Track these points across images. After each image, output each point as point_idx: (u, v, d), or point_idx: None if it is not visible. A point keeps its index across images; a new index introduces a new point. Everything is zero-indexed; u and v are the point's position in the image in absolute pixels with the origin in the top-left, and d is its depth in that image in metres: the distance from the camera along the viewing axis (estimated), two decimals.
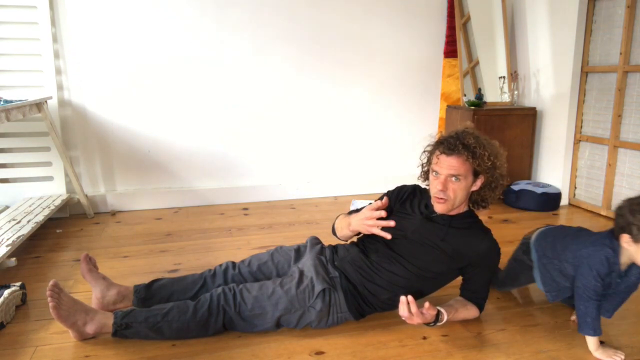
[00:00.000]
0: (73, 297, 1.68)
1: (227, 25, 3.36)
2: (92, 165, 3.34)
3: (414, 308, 1.57)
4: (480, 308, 1.84)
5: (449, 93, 3.84)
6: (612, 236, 1.60)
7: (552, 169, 3.58)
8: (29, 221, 2.62)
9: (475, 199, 1.79)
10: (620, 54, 3.06)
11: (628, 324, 1.86)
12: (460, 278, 1.85)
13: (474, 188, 1.75)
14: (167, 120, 3.39)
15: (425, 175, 1.86)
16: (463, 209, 1.80)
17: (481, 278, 1.79)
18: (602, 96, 3.24)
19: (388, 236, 1.73)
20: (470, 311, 1.81)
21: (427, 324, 1.68)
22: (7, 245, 2.26)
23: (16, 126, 3.08)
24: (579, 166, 3.48)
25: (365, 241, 1.89)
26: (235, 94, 3.47)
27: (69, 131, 3.25)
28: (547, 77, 3.55)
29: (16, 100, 2.63)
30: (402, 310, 1.58)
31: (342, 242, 1.99)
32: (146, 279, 1.94)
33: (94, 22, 3.14)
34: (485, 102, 3.56)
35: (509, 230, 2.96)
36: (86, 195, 3.23)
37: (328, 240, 2.09)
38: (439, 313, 1.67)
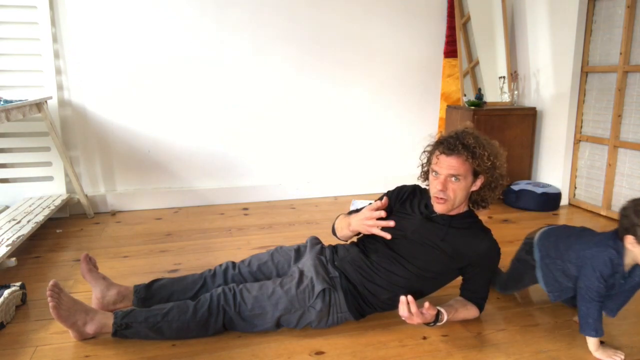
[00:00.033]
0: (73, 297, 1.68)
1: (227, 25, 3.36)
2: (92, 165, 3.34)
3: (413, 308, 1.57)
4: (480, 308, 1.84)
5: (449, 93, 3.84)
6: (616, 237, 1.59)
7: (552, 169, 3.58)
8: (29, 221, 2.62)
9: (475, 199, 1.79)
10: (620, 54, 3.06)
11: (628, 324, 1.86)
12: (460, 278, 1.85)
13: (474, 188, 1.75)
14: (167, 120, 3.39)
15: (425, 175, 1.86)
16: (463, 209, 1.80)
17: (481, 278, 1.79)
18: (602, 96, 3.24)
19: (388, 236, 1.73)
20: (470, 311, 1.81)
21: (427, 324, 1.68)
22: (7, 245, 2.26)
23: (16, 126, 3.08)
24: (579, 166, 3.48)
25: (365, 241, 1.89)
26: (235, 94, 3.47)
27: (69, 131, 3.25)
28: (547, 77, 3.55)
29: (16, 100, 2.63)
30: (402, 310, 1.58)
31: (342, 242, 1.99)
32: (146, 279, 1.95)
33: (94, 22, 3.14)
34: (485, 102, 3.57)
35: (509, 230, 2.96)
36: (86, 195, 3.23)
37: (328, 240, 2.09)
38: (438, 313, 1.67)
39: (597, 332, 1.60)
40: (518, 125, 3.56)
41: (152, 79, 3.30)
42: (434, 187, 1.73)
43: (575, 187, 3.52)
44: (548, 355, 1.65)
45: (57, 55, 3.13)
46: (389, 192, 1.93)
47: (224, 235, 2.88)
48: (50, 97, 3.04)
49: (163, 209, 3.44)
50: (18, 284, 1.99)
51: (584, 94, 3.38)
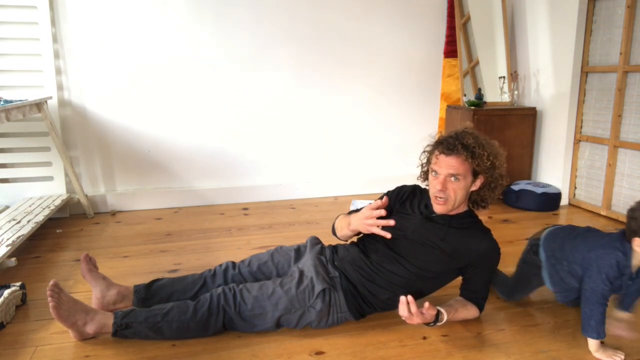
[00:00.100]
0: (73, 297, 1.68)
1: (227, 25, 3.36)
2: (92, 165, 3.34)
3: (413, 308, 1.56)
4: (480, 308, 1.84)
5: (449, 93, 3.84)
6: (623, 239, 1.59)
7: (552, 169, 3.58)
8: (29, 221, 2.63)
9: (475, 199, 1.79)
10: (620, 54, 3.06)
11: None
12: (460, 278, 1.85)
13: (474, 188, 1.75)
14: (167, 120, 3.39)
15: (425, 175, 1.86)
16: (463, 209, 1.80)
17: (481, 278, 1.79)
18: (602, 96, 3.24)
19: (388, 235, 1.73)
20: (470, 311, 1.81)
21: (427, 324, 1.68)
22: (7, 245, 2.26)
23: (16, 126, 3.08)
24: (579, 166, 3.48)
25: (365, 241, 1.89)
26: (235, 94, 3.47)
27: (69, 131, 3.25)
28: (547, 77, 3.55)
29: (16, 100, 2.63)
30: (402, 310, 1.58)
31: (342, 242, 1.99)
32: (146, 279, 1.95)
33: (94, 22, 3.14)
34: (485, 102, 3.57)
35: (509, 230, 2.96)
36: (86, 195, 3.23)
37: (328, 240, 2.09)
38: (438, 313, 1.67)
39: (599, 335, 1.60)
40: (518, 125, 3.56)
41: (152, 79, 3.30)
42: (433, 187, 1.73)
43: (575, 187, 3.52)
44: (548, 355, 1.65)
45: (57, 55, 3.13)
46: (389, 192, 1.93)
47: (224, 235, 2.88)
48: (50, 97, 3.04)
49: (163, 209, 3.44)
50: (18, 284, 2.00)
51: (584, 94, 3.38)
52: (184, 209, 3.44)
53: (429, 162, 1.81)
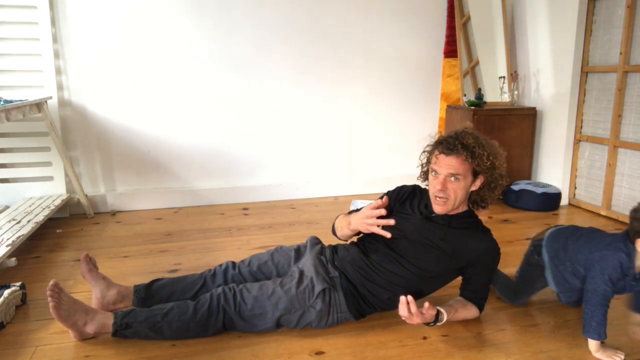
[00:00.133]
0: (73, 297, 1.68)
1: (228, 25, 3.36)
2: (92, 165, 3.34)
3: (413, 308, 1.56)
4: (480, 308, 1.84)
5: (449, 93, 3.84)
6: (627, 239, 1.58)
7: (552, 169, 3.58)
8: (29, 221, 2.63)
9: (475, 199, 1.79)
10: (620, 54, 3.06)
11: (628, 324, 1.86)
12: (460, 278, 1.85)
13: (473, 188, 1.75)
14: (167, 120, 3.39)
15: (425, 175, 1.86)
16: (462, 209, 1.80)
17: (481, 278, 1.79)
18: (602, 96, 3.24)
19: (388, 235, 1.72)
20: (470, 311, 1.81)
21: (427, 324, 1.68)
22: (7, 245, 2.26)
23: (16, 126, 3.08)
24: (579, 166, 3.48)
25: (365, 241, 1.89)
26: (235, 94, 3.47)
27: (69, 131, 3.25)
28: (547, 77, 3.55)
29: (16, 100, 2.63)
30: (402, 310, 1.58)
31: (342, 242, 1.99)
32: (146, 279, 1.95)
33: (94, 22, 3.14)
34: (485, 102, 3.57)
35: (509, 230, 2.96)
36: (86, 195, 3.23)
37: (328, 240, 2.09)
38: (438, 313, 1.67)
39: (600, 336, 1.60)
40: (518, 125, 3.56)
41: (152, 79, 3.30)
42: (433, 187, 1.73)
43: (575, 187, 3.52)
44: (548, 355, 1.65)
45: (57, 55, 3.13)
46: (388, 192, 1.93)
47: (224, 235, 2.88)
48: (50, 97, 3.04)
49: (163, 209, 3.44)
50: (18, 284, 2.00)
51: (584, 94, 3.38)
52: (184, 209, 3.44)
53: (428, 162, 1.81)
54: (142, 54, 3.25)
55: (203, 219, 3.20)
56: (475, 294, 1.82)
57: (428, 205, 1.81)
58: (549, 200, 3.37)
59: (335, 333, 1.77)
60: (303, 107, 3.63)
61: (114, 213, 3.34)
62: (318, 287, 1.71)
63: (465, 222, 1.78)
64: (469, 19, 3.70)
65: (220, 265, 1.93)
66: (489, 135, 1.80)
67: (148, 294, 1.83)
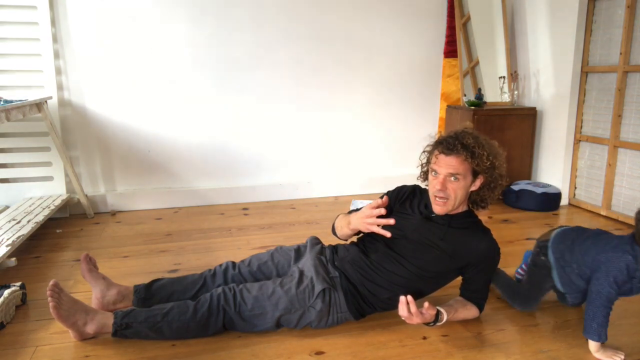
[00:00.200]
0: (73, 297, 1.68)
1: (228, 24, 3.36)
2: (92, 165, 3.34)
3: (413, 308, 1.56)
4: (480, 308, 1.84)
5: (449, 93, 3.84)
6: (633, 242, 1.57)
7: (552, 169, 3.58)
8: (29, 221, 2.63)
9: (475, 199, 1.79)
10: (620, 54, 3.06)
11: (628, 324, 1.86)
12: (460, 278, 1.85)
13: (473, 188, 1.75)
14: (167, 120, 3.39)
15: (425, 175, 1.86)
16: (462, 209, 1.80)
17: (481, 278, 1.79)
18: (602, 96, 3.24)
19: (388, 234, 1.72)
20: (470, 311, 1.81)
21: (427, 324, 1.68)
22: (7, 245, 2.26)
23: (16, 126, 3.08)
24: (579, 166, 3.48)
25: (365, 241, 1.89)
26: (235, 94, 3.47)
27: (69, 131, 3.25)
28: (547, 77, 3.55)
29: (16, 100, 2.63)
30: (402, 310, 1.58)
31: (342, 242, 1.99)
32: (146, 279, 1.94)
33: (94, 22, 3.14)
34: (485, 102, 3.57)
35: (509, 230, 2.96)
36: (86, 195, 3.23)
37: (328, 240, 2.09)
38: (438, 313, 1.67)
39: (600, 337, 1.60)
40: (518, 125, 3.56)
41: (152, 79, 3.30)
42: (433, 187, 1.73)
43: (575, 187, 3.52)
44: (548, 355, 1.65)
45: (57, 55, 3.13)
46: (389, 192, 1.93)
47: (224, 235, 2.88)
48: (50, 97, 3.04)
49: (163, 209, 3.44)
50: (18, 284, 2.00)
51: (584, 94, 3.38)
52: (184, 209, 3.44)
53: (428, 162, 1.81)
54: (142, 54, 3.25)
55: (203, 219, 3.20)
56: (475, 294, 1.82)
57: (428, 205, 1.81)
58: (549, 200, 3.37)
59: (335, 333, 1.77)
60: (303, 107, 3.63)
61: (114, 213, 3.34)
62: (318, 287, 1.71)
63: (465, 222, 1.78)
64: (469, 19, 3.70)
65: (220, 265, 1.93)
66: (489, 135, 1.80)
67: (148, 294, 1.83)
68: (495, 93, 3.74)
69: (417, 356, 1.64)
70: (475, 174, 1.72)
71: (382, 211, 1.74)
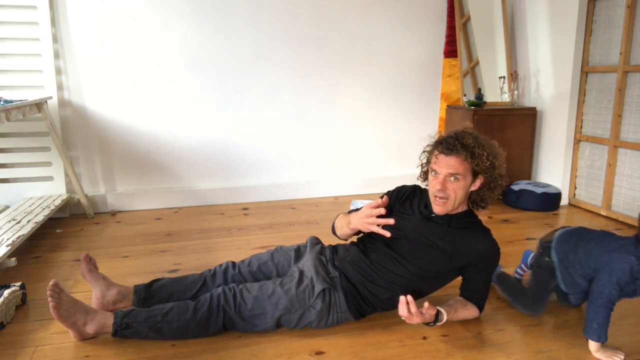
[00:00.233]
0: (73, 297, 1.68)
1: (227, 24, 3.36)
2: (92, 165, 3.34)
3: (413, 308, 1.56)
4: (480, 308, 1.84)
5: (449, 93, 3.84)
6: (637, 243, 1.57)
7: (552, 169, 3.58)
8: (29, 221, 2.63)
9: (475, 199, 1.79)
10: (620, 54, 3.06)
11: (628, 324, 1.86)
12: (460, 278, 1.85)
13: (473, 188, 1.75)
14: (167, 120, 3.39)
15: (425, 175, 1.86)
16: (462, 208, 1.80)
17: (481, 278, 1.79)
18: (602, 96, 3.24)
19: (387, 234, 1.72)
20: (470, 311, 1.81)
21: (427, 324, 1.68)
22: (7, 245, 2.26)
23: (16, 126, 3.08)
24: (579, 166, 3.48)
25: (365, 241, 1.89)
26: (235, 94, 3.47)
27: (69, 131, 3.25)
28: (547, 77, 3.55)
29: (16, 100, 2.63)
30: (402, 310, 1.58)
31: (342, 242, 1.99)
32: (146, 279, 1.94)
33: (94, 22, 3.14)
34: (485, 102, 3.57)
35: (509, 230, 2.96)
36: (86, 195, 3.23)
37: (328, 240, 2.09)
38: (438, 313, 1.67)
39: (600, 338, 1.59)
40: (518, 125, 3.56)
41: (152, 79, 3.30)
42: (433, 187, 1.73)
43: (575, 187, 3.52)
44: (548, 355, 1.65)
45: (57, 55, 3.13)
46: (389, 192, 1.93)
47: (224, 235, 2.88)
48: (50, 97, 3.04)
49: (163, 209, 3.44)
50: (18, 284, 2.00)
51: (584, 94, 3.38)
52: (184, 209, 3.44)
53: (428, 162, 1.81)
54: (142, 54, 3.25)
55: (203, 219, 3.20)
56: (475, 294, 1.82)
57: (428, 205, 1.81)
58: (549, 200, 3.37)
59: (335, 333, 1.77)
60: (303, 107, 3.63)
61: (114, 213, 3.34)
62: (318, 287, 1.71)
63: (465, 222, 1.78)
64: (469, 19, 3.70)
65: (220, 265, 1.93)
66: (489, 135, 1.80)
67: (148, 294, 1.83)
68: (495, 93, 3.74)
69: (417, 356, 1.64)
70: (475, 174, 1.72)
71: (382, 211, 1.74)
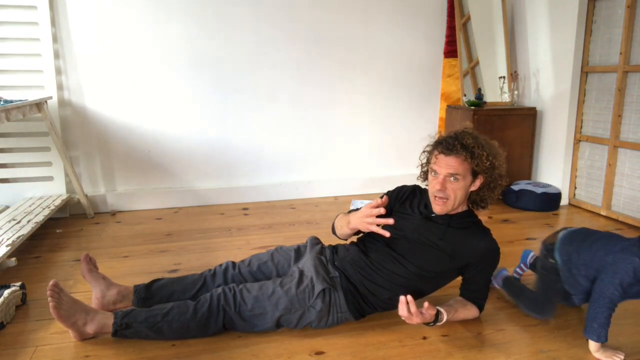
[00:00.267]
0: (73, 297, 1.68)
1: (227, 24, 3.36)
2: (92, 165, 3.34)
3: (413, 308, 1.56)
4: (480, 308, 1.84)
5: (449, 93, 3.84)
6: None
7: (552, 169, 3.58)
8: (29, 221, 2.63)
9: (475, 199, 1.79)
10: (620, 54, 3.06)
11: (628, 324, 1.86)
12: (460, 278, 1.85)
13: (473, 188, 1.75)
14: (168, 120, 3.39)
15: (425, 175, 1.86)
16: (462, 208, 1.80)
17: (481, 278, 1.79)
18: (602, 96, 3.24)
19: (386, 234, 1.72)
20: (470, 311, 1.81)
21: (427, 324, 1.68)
22: (7, 245, 2.26)
23: (16, 126, 3.08)
24: (579, 166, 3.48)
25: (365, 241, 1.89)
26: (235, 94, 3.47)
27: (69, 131, 3.25)
28: (547, 77, 3.55)
29: (16, 100, 2.63)
30: (402, 310, 1.58)
31: (342, 242, 1.99)
32: (146, 279, 1.95)
33: (94, 22, 3.14)
34: (485, 102, 3.57)
35: (509, 230, 2.96)
36: (86, 195, 3.23)
37: (328, 240, 2.09)
38: (438, 313, 1.67)
39: (599, 338, 1.59)
40: (518, 125, 3.56)
41: (152, 79, 3.30)
42: (432, 187, 1.74)
43: (575, 187, 3.52)
44: (548, 355, 1.65)
45: (57, 55, 3.13)
46: (389, 192, 1.93)
47: (224, 235, 2.88)
48: (50, 97, 3.04)
49: (163, 209, 3.44)
50: (18, 284, 2.00)
51: (584, 94, 3.38)
52: (184, 209, 3.44)
53: (428, 162, 1.81)
54: (142, 54, 3.25)
55: (203, 219, 3.20)
56: (475, 294, 1.82)
57: (428, 205, 1.81)
58: (549, 200, 3.37)
59: (335, 333, 1.77)
60: (303, 107, 3.63)
61: (114, 213, 3.34)
62: (318, 287, 1.71)
63: (464, 222, 1.78)
64: (469, 19, 3.70)
65: (220, 265, 1.93)
66: (489, 135, 1.80)
67: (148, 294, 1.83)
68: (495, 93, 3.74)
69: (417, 356, 1.64)
70: (474, 174, 1.72)
71: (382, 211, 1.74)
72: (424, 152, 1.84)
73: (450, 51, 3.76)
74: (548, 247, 1.85)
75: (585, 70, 3.33)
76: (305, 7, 3.47)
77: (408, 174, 3.43)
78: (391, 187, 1.97)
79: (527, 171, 3.67)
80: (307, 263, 1.83)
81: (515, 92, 3.70)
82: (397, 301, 1.63)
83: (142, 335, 1.67)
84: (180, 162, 3.47)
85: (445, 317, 1.69)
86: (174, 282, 1.87)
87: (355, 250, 1.86)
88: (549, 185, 3.48)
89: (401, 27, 3.70)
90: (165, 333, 1.67)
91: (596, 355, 1.63)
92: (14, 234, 2.41)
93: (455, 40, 3.71)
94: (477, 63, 3.74)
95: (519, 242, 2.75)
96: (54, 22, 3.09)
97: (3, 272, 2.29)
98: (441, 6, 3.75)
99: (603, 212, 3.26)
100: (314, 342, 1.72)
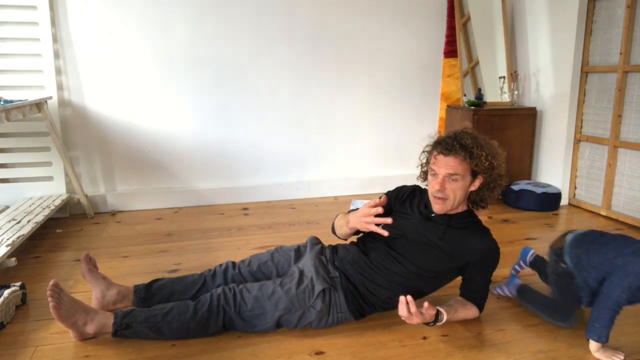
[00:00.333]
0: (73, 297, 1.68)
1: (228, 24, 3.36)
2: (92, 165, 3.34)
3: (413, 308, 1.56)
4: (480, 308, 1.84)
5: (449, 93, 3.84)
6: None
7: (552, 169, 3.58)
8: (29, 221, 2.63)
9: (474, 199, 1.80)
10: (620, 54, 3.06)
11: (628, 324, 1.86)
12: (460, 278, 1.85)
13: (473, 188, 1.75)
14: (168, 120, 3.39)
15: (425, 175, 1.86)
16: (462, 208, 1.80)
17: (481, 278, 1.79)
18: (602, 96, 3.24)
19: (385, 233, 1.72)
20: (470, 311, 1.81)
21: (427, 324, 1.68)
22: (7, 245, 2.26)
23: (16, 126, 3.08)
24: (579, 166, 3.48)
25: (365, 241, 1.89)
26: (235, 94, 3.47)
27: (69, 131, 3.25)
28: (547, 77, 3.55)
29: (16, 100, 2.63)
30: (402, 310, 1.58)
31: (342, 242, 1.99)
32: (146, 279, 1.95)
33: (94, 22, 3.14)
34: (485, 102, 3.57)
35: (509, 230, 2.96)
36: (86, 195, 3.23)
37: (328, 240, 2.09)
38: (438, 313, 1.67)
39: (600, 338, 1.59)
40: (518, 125, 3.56)
41: (152, 79, 3.30)
42: (432, 187, 1.74)
43: (575, 187, 3.52)
44: (548, 355, 1.65)
45: (57, 55, 3.13)
46: (388, 192, 1.93)
47: (224, 235, 2.88)
48: (50, 97, 3.04)
49: (163, 209, 3.44)
50: (18, 284, 2.00)
51: (584, 94, 3.38)
52: (184, 209, 3.44)
53: (428, 162, 1.81)
54: (142, 54, 3.25)
55: (203, 219, 3.20)
56: (475, 294, 1.82)
57: (428, 205, 1.81)
58: (549, 200, 3.37)
59: (335, 333, 1.77)
60: (303, 107, 3.63)
61: (114, 213, 3.34)
62: (318, 287, 1.71)
63: (464, 222, 1.78)
64: (469, 19, 3.70)
65: (220, 265, 1.93)
66: (489, 135, 1.80)
67: (148, 294, 1.83)
68: (495, 93, 3.74)
69: (417, 356, 1.64)
70: (474, 174, 1.72)
71: (380, 210, 1.74)
72: (423, 152, 1.84)
73: (450, 51, 3.76)
74: (557, 251, 1.81)
75: (585, 70, 3.33)
76: (305, 7, 3.47)
77: (408, 174, 3.43)
78: (391, 187, 1.97)
79: (527, 171, 3.67)
80: (307, 263, 1.83)
81: (515, 92, 3.70)
82: (397, 301, 1.63)
83: (142, 335, 1.67)
84: (180, 162, 3.47)
85: (445, 317, 1.69)
86: (174, 282, 1.87)
87: (355, 250, 1.86)
88: (549, 185, 3.48)
89: (401, 27, 3.70)
90: (165, 333, 1.67)
91: (596, 355, 1.63)
92: (14, 234, 2.41)
93: (455, 40, 3.71)
94: (477, 63, 3.74)
95: (519, 242, 2.75)
96: (54, 23, 3.09)
97: (3, 272, 2.29)
98: (441, 6, 3.75)
99: (603, 212, 3.26)
100: (314, 342, 1.72)
